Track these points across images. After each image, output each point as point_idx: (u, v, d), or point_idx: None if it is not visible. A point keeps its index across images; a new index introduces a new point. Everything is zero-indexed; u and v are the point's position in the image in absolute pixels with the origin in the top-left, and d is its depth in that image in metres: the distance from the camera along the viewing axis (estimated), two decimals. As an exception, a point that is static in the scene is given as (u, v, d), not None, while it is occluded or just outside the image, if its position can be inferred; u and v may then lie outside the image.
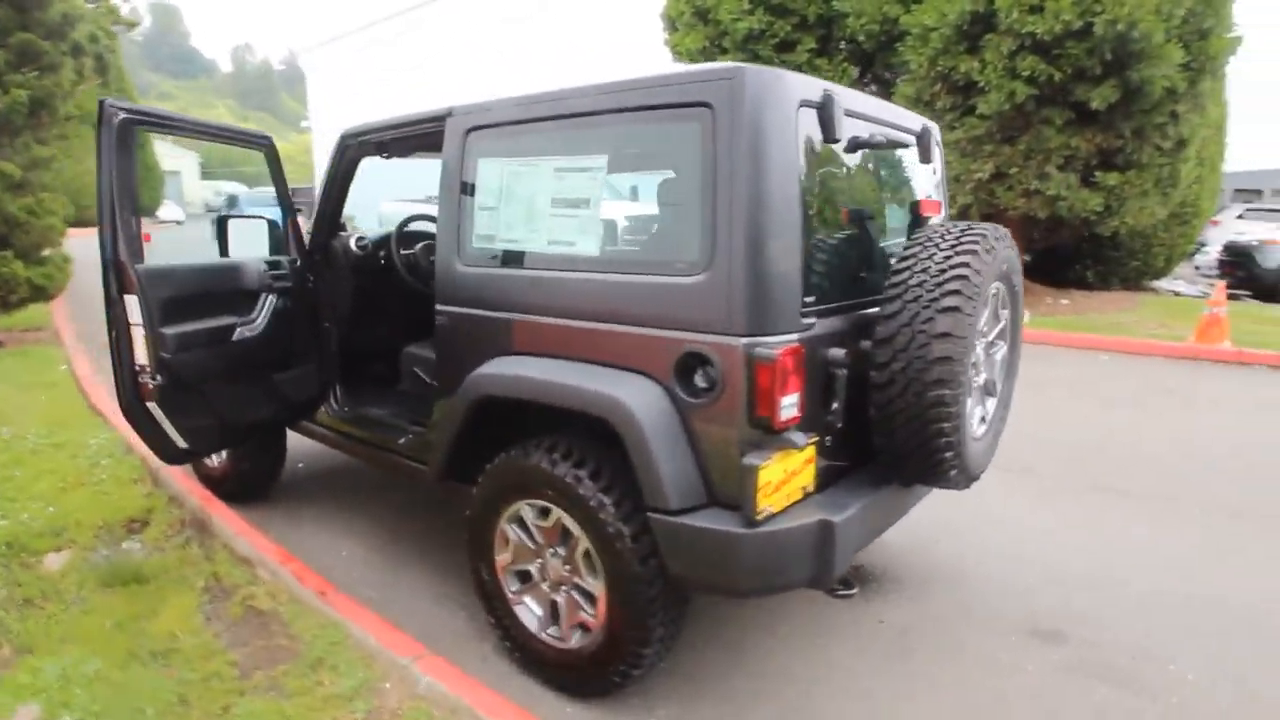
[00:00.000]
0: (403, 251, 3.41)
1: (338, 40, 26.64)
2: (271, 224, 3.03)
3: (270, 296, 2.89)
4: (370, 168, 3.14)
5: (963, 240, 2.11)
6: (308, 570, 2.90)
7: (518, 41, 20.25)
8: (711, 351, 1.92)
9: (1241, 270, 10.57)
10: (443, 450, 2.54)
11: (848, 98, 2.12)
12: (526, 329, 2.32)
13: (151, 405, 2.54)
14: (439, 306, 2.58)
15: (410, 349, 3.11)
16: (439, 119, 2.60)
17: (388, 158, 3.23)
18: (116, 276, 2.41)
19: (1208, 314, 7.31)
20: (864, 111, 2.27)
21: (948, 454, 2.10)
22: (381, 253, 3.47)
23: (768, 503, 1.88)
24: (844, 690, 2.43)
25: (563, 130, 2.24)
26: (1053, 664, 2.58)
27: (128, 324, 2.44)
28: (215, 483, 3.73)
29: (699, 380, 1.97)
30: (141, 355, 2.45)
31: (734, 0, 9.67)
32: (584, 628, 2.28)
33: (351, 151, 3.05)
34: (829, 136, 2.03)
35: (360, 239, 3.42)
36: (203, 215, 43.07)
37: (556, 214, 2.25)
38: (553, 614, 2.37)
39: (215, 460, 3.79)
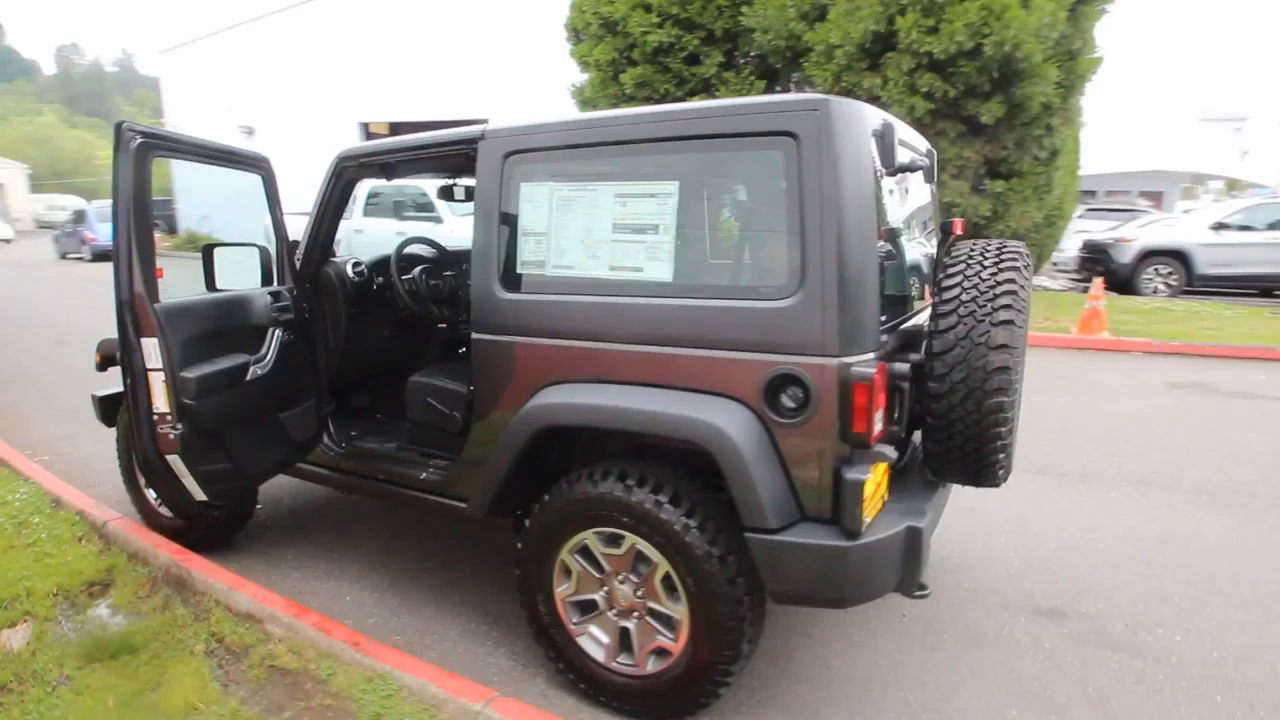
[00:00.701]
0: (403, 277, 3.25)
1: (196, 42, 24.72)
2: (262, 251, 2.81)
3: (276, 330, 2.67)
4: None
5: (1004, 257, 2.27)
6: (331, 621, 2.71)
7: (398, 44, 19.60)
8: (804, 372, 1.97)
9: (1099, 265, 11.82)
10: (494, 483, 2.45)
11: (897, 127, 2.25)
12: (582, 355, 2.29)
13: (171, 457, 2.29)
14: (476, 335, 2.50)
15: (419, 378, 2.97)
16: (468, 142, 2.52)
17: (389, 180, 3.07)
18: (133, 318, 2.17)
19: (1088, 307, 8.15)
20: (902, 137, 2.41)
21: (1001, 456, 2.26)
22: (379, 279, 3.28)
23: (868, 514, 1.96)
24: (897, 683, 2.55)
25: (625, 156, 2.24)
26: (1064, 639, 2.81)
27: (145, 370, 2.19)
28: (177, 533, 3.41)
29: (786, 400, 2.03)
30: (161, 403, 2.21)
31: (643, 13, 9.80)
32: (661, 653, 2.28)
33: (349, 173, 2.89)
34: (888, 163, 2.14)
35: (357, 264, 3.23)
36: (36, 232, 38.71)
37: (620, 240, 2.23)
38: (622, 642, 2.35)
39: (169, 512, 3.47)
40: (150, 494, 3.57)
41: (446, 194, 3.37)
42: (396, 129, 24.83)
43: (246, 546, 3.52)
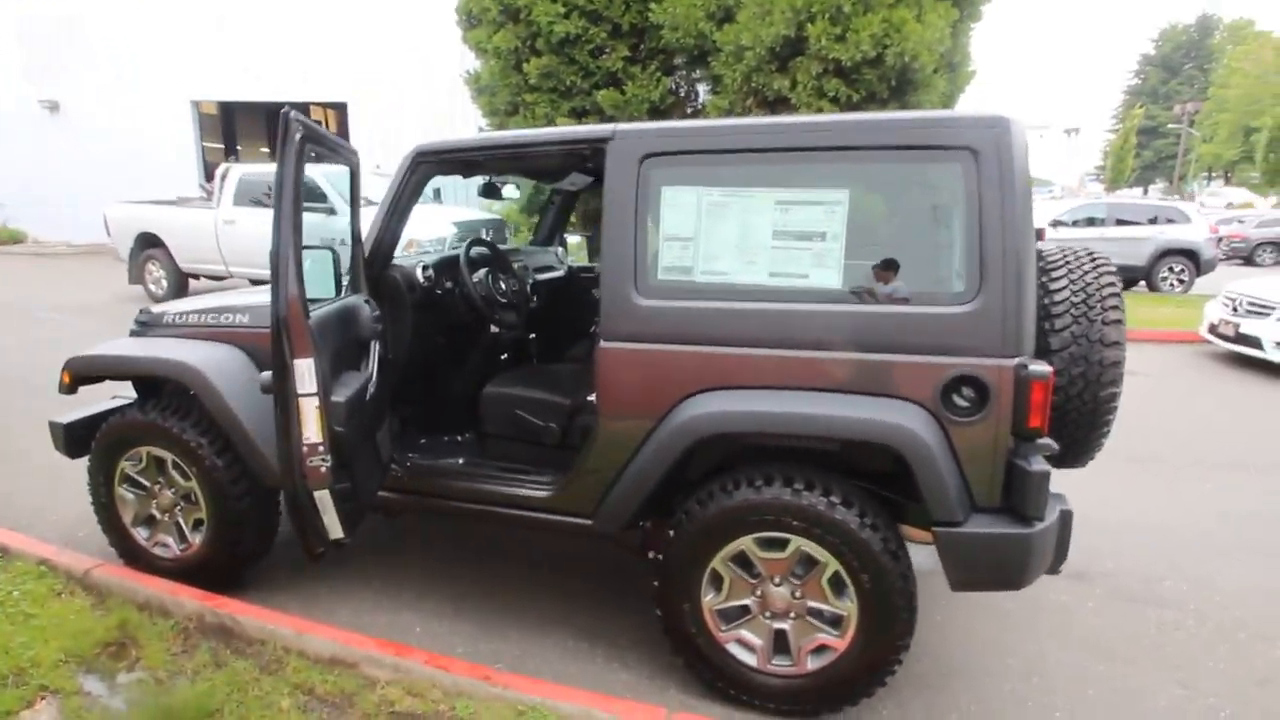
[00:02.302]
0: (463, 281, 3.01)
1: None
2: (334, 255, 2.50)
3: (374, 343, 2.40)
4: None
5: (1098, 261, 2.53)
6: (443, 657, 2.51)
7: (236, 12, 17.82)
8: (983, 373, 2.10)
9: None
10: (638, 496, 2.38)
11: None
12: (735, 362, 2.28)
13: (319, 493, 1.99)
14: (606, 344, 2.40)
15: (499, 389, 2.80)
16: (595, 142, 2.40)
17: (467, 177, 2.83)
18: (289, 337, 1.86)
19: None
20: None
21: (1103, 440, 2.52)
22: (446, 282, 3.02)
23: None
24: (992, 652, 2.77)
25: (786, 163, 2.24)
26: (1100, 598, 3.18)
27: (297, 395, 1.90)
28: (182, 574, 3.00)
29: (959, 399, 2.14)
30: (313, 431, 1.92)
31: (548, 2, 9.60)
32: (822, 650, 2.33)
33: (425, 170, 2.64)
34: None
35: (426, 268, 2.95)
36: None
37: (783, 246, 2.24)
38: (777, 644, 2.38)
39: (174, 546, 3.06)
40: (140, 532, 3.11)
41: (491, 192, 3.17)
42: (229, 109, 22.56)
43: (267, 583, 3.15)
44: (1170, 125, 42.07)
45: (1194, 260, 12.35)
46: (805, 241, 2.22)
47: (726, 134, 2.29)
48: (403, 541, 3.58)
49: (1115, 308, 2.42)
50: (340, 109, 19.75)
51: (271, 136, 26.52)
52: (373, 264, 2.72)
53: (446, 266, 3.07)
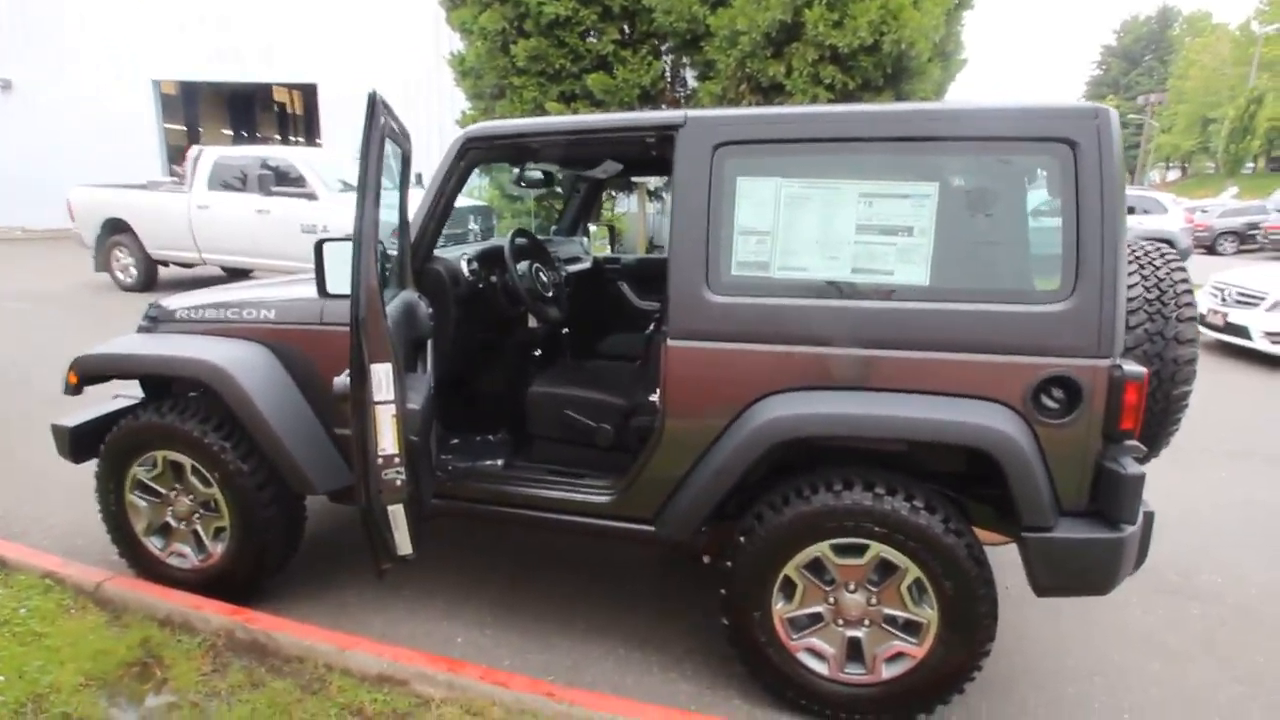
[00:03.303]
0: (509, 274, 2.85)
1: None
2: (381, 247, 2.32)
3: (429, 341, 2.25)
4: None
5: (1167, 256, 2.48)
6: (501, 672, 2.39)
7: None
8: (1077, 374, 2.03)
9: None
10: (709, 501, 2.27)
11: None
12: (813, 362, 2.18)
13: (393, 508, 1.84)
14: (674, 342, 2.28)
15: (545, 389, 2.66)
16: (664, 129, 2.27)
17: (517, 166, 2.66)
18: (367, 339, 1.70)
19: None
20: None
21: (1170, 438, 2.48)
22: (491, 276, 2.85)
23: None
24: (1054, 652, 2.74)
25: (873, 153, 2.14)
26: (1143, 592, 3.16)
27: (374, 403, 1.74)
28: (201, 585, 2.83)
29: (1048, 401, 2.07)
30: (389, 442, 1.76)
31: (537, -18, 9.35)
32: (898, 658, 2.26)
33: (474, 156, 2.48)
34: None
35: (470, 260, 2.78)
36: None
37: (866, 241, 2.14)
38: (850, 652, 2.30)
39: (193, 556, 2.88)
40: (153, 542, 2.92)
41: (533, 182, 3.00)
42: (191, 90, 21.74)
43: (289, 592, 2.99)
44: (1131, 115, 42.99)
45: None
46: (891, 236, 2.13)
47: (808, 122, 2.17)
48: (426, 546, 3.43)
49: (1189, 304, 2.38)
50: (309, 90, 19.18)
51: (235, 118, 25.72)
52: (415, 256, 2.56)
53: (489, 258, 2.91)
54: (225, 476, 2.70)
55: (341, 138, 16.34)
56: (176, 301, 3.00)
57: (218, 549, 2.84)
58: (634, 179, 9.90)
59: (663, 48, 9.97)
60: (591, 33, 9.74)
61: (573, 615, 2.89)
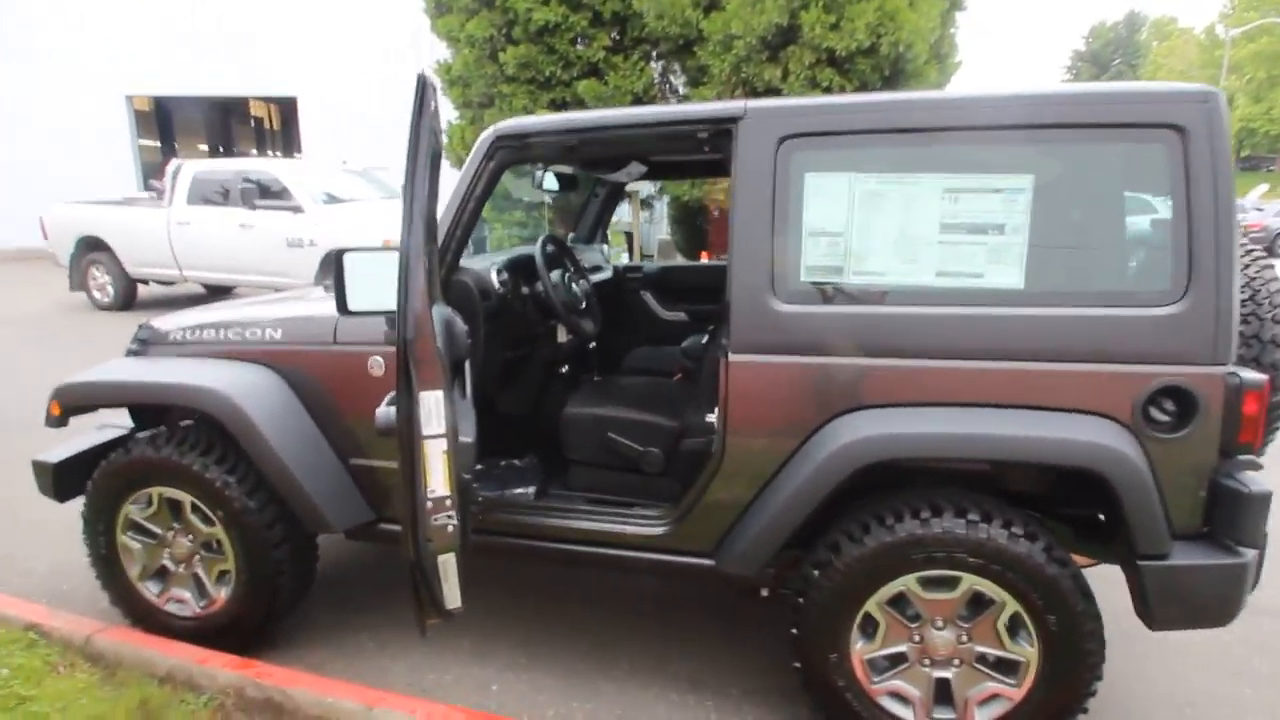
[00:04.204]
0: (542, 285, 2.61)
1: None
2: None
3: (467, 363, 2.01)
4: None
5: (1254, 254, 2.30)
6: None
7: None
8: (1191, 383, 1.83)
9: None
10: (782, 531, 2.05)
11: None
12: (895, 376, 1.98)
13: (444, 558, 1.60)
14: (737, 356, 2.07)
15: (589, 410, 2.43)
16: (722, 121, 2.06)
17: (545, 170, 2.43)
18: (416, 364, 1.46)
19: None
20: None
21: (1269, 443, 2.30)
22: (524, 287, 2.61)
23: (1260, 526, 1.89)
24: (1136, 684, 2.54)
25: (958, 144, 1.94)
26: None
27: (421, 437, 1.50)
28: (204, 635, 2.57)
29: (1158, 414, 1.88)
30: (440, 482, 1.52)
31: (526, -12, 9.15)
32: (994, 700, 2.05)
33: (504, 156, 2.25)
34: None
35: (500, 270, 2.54)
36: None
37: (951, 241, 1.94)
38: (938, 694, 2.09)
39: (194, 603, 2.61)
40: (149, 587, 2.64)
41: (558, 184, 2.78)
42: (165, 104, 21.27)
43: (297, 635, 2.73)
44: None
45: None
46: (980, 235, 1.93)
47: (884, 111, 1.97)
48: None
49: (1286, 304, 2.20)
50: (288, 104, 18.81)
51: (211, 133, 25.23)
52: (440, 267, 2.32)
53: (518, 268, 2.68)
54: (229, 515, 2.44)
55: (323, 152, 16.03)
56: (169, 322, 2.74)
57: (222, 594, 2.57)
58: (628, 188, 9.72)
59: (654, 53, 9.81)
60: (581, 39, 9.55)
61: (614, 654, 2.65)
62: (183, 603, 2.63)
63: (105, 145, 17.17)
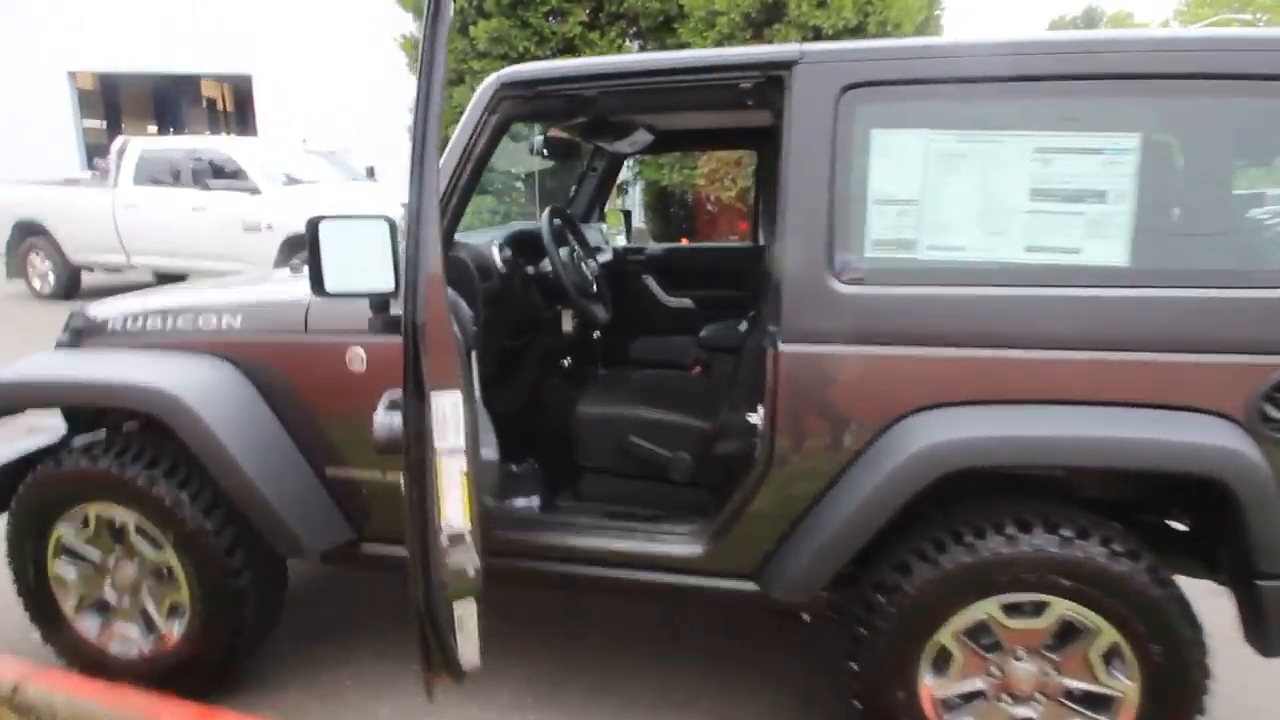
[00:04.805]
0: (552, 264, 2.26)
1: None
2: (392, 228, 1.73)
3: (473, 357, 1.67)
4: None
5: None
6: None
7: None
8: (1321, 375, 1.58)
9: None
10: (844, 553, 1.76)
11: None
12: (978, 367, 1.70)
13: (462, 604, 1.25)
14: (789, 346, 1.76)
15: (605, 409, 2.12)
16: (771, 67, 1.74)
17: (557, 122, 2.07)
18: (427, 356, 1.11)
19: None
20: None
21: None
22: (529, 266, 2.26)
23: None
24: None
25: (1052, 96, 1.65)
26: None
27: (434, 451, 1.15)
28: (155, 677, 2.19)
29: (1273, 411, 1.63)
30: (458, 513, 1.18)
31: (497, -40, 8.72)
32: (1081, 739, 1.79)
33: (509, 108, 1.90)
34: None
35: (502, 247, 2.18)
36: None
37: (1043, 210, 1.66)
38: (1018, 733, 1.82)
39: (141, 641, 2.24)
40: (87, 623, 2.26)
41: (557, 152, 2.44)
42: (111, 82, 20.21)
43: (268, 677, 2.37)
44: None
45: None
46: (1077, 204, 1.65)
47: (966, 56, 1.68)
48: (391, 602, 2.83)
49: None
50: (242, 82, 17.97)
51: (161, 114, 24.11)
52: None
53: (521, 244, 2.33)
54: (181, 537, 2.07)
55: (280, 135, 15.32)
56: (108, 309, 2.35)
57: (174, 630, 2.19)
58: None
59: (632, 30, 9.44)
60: (556, 14, 9.14)
61: (633, 690, 2.33)
62: (128, 640, 2.24)
63: (46, 124, 16.23)
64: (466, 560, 1.25)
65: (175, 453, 2.06)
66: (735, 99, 1.84)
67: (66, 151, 16.44)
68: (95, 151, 16.89)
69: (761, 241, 3.40)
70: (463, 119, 1.90)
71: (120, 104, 22.13)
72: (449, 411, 1.19)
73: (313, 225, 1.63)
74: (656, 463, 2.10)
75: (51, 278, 9.03)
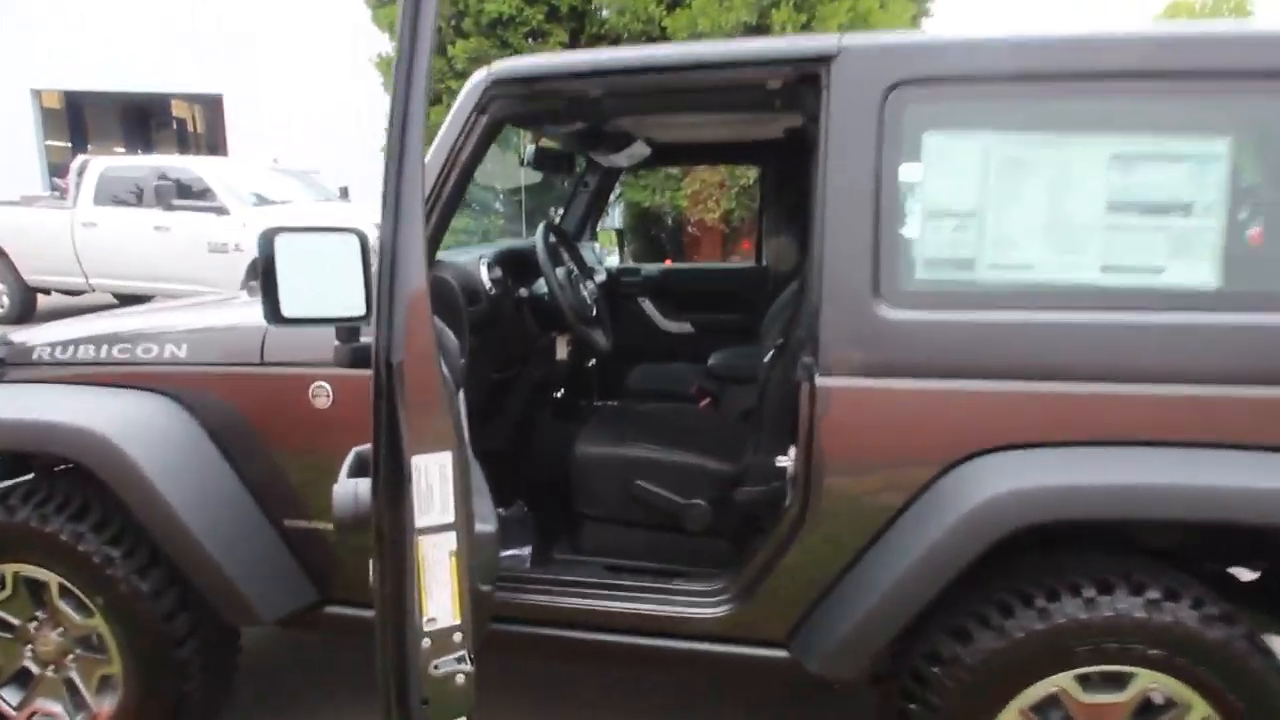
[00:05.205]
0: (548, 286, 2.01)
1: None
2: (363, 243, 1.47)
3: (461, 394, 1.41)
4: None
5: None
6: None
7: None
8: None
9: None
10: (896, 619, 1.51)
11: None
12: (1050, 405, 1.48)
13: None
14: (827, 381, 1.53)
15: (608, 449, 1.86)
16: (806, 62, 1.52)
17: (553, 127, 1.83)
18: (407, 408, 0.84)
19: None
20: None
21: None
22: (521, 289, 2.00)
23: None
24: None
25: (1129, 96, 1.45)
26: None
27: (414, 531, 0.88)
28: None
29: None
30: (447, 607, 0.90)
31: (478, -22, 8.56)
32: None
33: (500, 109, 1.66)
34: None
35: (491, 266, 1.93)
36: None
37: (1121, 224, 1.46)
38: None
39: (70, 718, 1.93)
40: (6, 698, 1.95)
41: (548, 164, 2.20)
42: (77, 101, 19.73)
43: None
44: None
45: None
46: (1158, 217, 1.45)
47: (1030, 51, 1.47)
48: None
49: None
50: (212, 103, 17.61)
51: (129, 135, 23.60)
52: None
53: (511, 263, 2.08)
54: (112, 601, 1.77)
55: (251, 154, 14.96)
56: (36, 336, 2.05)
57: (105, 706, 1.88)
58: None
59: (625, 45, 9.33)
60: (537, 34, 8.99)
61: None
62: (53, 718, 1.92)
63: (8, 144, 15.75)
64: (455, 668, 0.96)
65: (105, 503, 1.76)
66: (758, 101, 1.62)
67: (29, 172, 15.96)
68: (58, 172, 16.41)
69: (765, 262, 3.20)
70: (448, 119, 1.66)
71: (87, 124, 21.62)
72: (435, 479, 0.91)
73: (267, 239, 1.36)
74: (668, 510, 1.84)
75: (6, 300, 8.61)
